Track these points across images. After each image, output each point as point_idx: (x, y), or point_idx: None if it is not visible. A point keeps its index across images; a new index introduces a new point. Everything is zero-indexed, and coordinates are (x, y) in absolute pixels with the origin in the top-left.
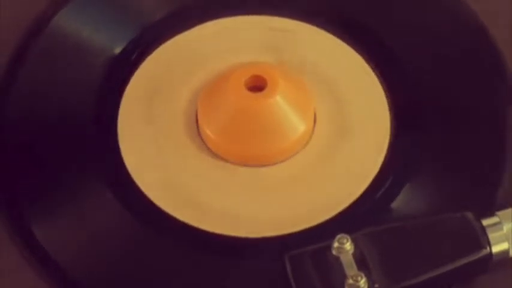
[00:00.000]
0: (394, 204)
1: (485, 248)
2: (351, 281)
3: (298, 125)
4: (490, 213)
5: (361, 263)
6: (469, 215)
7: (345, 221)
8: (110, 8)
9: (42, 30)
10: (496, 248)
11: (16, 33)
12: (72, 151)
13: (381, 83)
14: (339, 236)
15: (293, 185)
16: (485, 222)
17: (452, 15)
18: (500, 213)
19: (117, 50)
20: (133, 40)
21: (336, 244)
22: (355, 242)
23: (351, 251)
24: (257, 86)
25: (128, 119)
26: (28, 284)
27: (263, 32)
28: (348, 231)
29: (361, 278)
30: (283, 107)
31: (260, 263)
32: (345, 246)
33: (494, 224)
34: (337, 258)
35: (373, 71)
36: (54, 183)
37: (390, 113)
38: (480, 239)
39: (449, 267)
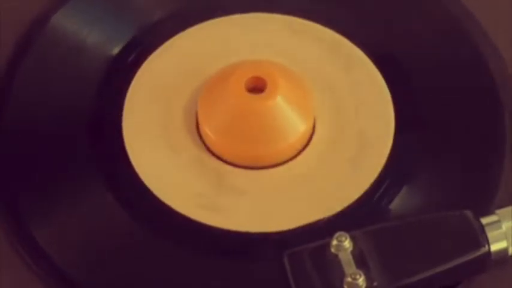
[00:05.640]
0: (395, 204)
1: (484, 247)
2: (349, 279)
3: (299, 126)
4: (489, 212)
5: (360, 261)
6: (468, 213)
7: (345, 221)
8: (110, 7)
9: (41, 31)
10: (494, 247)
11: (16, 34)
12: (73, 151)
13: (384, 83)
14: (337, 234)
15: (293, 186)
16: (484, 220)
17: (454, 23)
18: (499, 211)
19: (118, 50)
20: (134, 40)
21: (334, 242)
22: (354, 240)
23: (350, 249)
24: (257, 87)
25: (129, 119)
26: (27, 285)
27: (264, 30)
28: (347, 231)
29: (360, 276)
30: (283, 109)
31: (259, 263)
32: (343, 244)
33: (493, 223)
34: (336, 256)
35: (376, 70)
36: (54, 184)
37: (392, 112)
38: (479, 238)
39: (448, 265)
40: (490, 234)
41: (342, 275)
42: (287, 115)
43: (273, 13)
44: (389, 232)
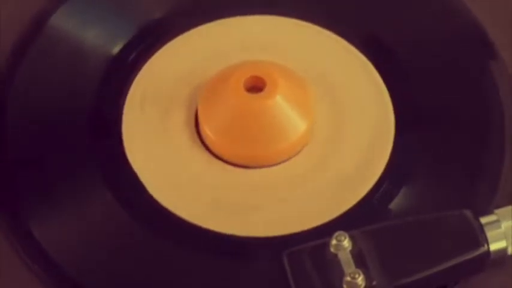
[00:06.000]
0: (395, 204)
1: (484, 246)
2: (348, 278)
3: (298, 126)
4: (489, 212)
5: (359, 260)
6: (468, 213)
7: (346, 221)
8: (110, 6)
9: (41, 30)
10: (494, 246)
11: (16, 34)
12: (73, 151)
13: (383, 83)
14: (337, 233)
15: (293, 186)
16: (484, 220)
17: (454, 22)
18: (498, 211)
19: (118, 49)
20: (134, 39)
21: (333, 241)
22: (353, 239)
23: (349, 248)
24: (257, 86)
25: (129, 119)
26: (27, 285)
27: (264, 31)
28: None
29: (359, 275)
30: (283, 108)
31: (259, 264)
32: (343, 243)
33: (493, 222)
34: (335, 256)
35: (375, 71)
36: (54, 184)
37: (392, 112)
38: (478, 237)
39: (447, 265)
40: (490, 233)
41: (341, 274)
42: (287, 114)
43: (272, 15)
44: (388, 231)
